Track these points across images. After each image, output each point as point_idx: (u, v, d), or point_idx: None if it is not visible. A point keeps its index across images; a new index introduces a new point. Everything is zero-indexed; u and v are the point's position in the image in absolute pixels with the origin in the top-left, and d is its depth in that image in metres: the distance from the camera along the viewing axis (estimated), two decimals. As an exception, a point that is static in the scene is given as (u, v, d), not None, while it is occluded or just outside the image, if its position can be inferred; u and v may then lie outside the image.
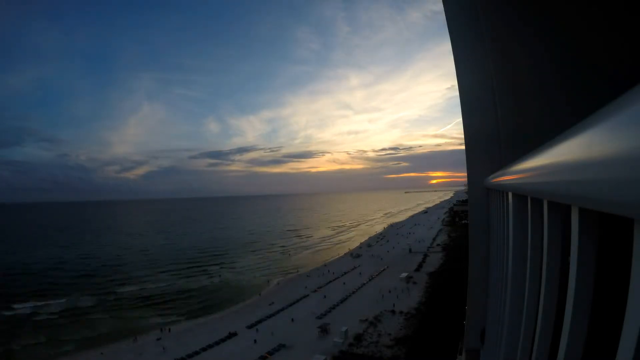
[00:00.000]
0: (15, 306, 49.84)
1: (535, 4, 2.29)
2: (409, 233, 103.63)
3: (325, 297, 49.29)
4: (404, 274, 55.47)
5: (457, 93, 2.70)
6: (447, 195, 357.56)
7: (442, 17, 2.54)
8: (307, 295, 50.78)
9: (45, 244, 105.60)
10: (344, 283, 55.72)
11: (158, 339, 38.07)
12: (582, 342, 0.71)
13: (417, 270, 59.57)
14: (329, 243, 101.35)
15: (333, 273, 62.85)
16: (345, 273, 62.42)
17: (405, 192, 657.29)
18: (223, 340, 36.84)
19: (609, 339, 0.56)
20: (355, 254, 78.37)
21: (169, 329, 41.13)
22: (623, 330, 0.46)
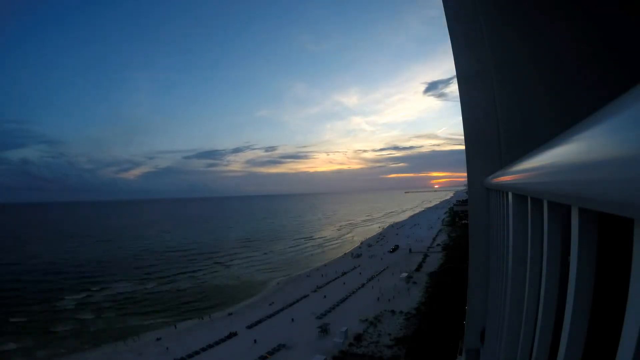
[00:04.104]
0: (16, 305, 49.81)
1: (535, 5, 2.29)
2: (409, 233, 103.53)
3: (325, 297, 49.23)
4: (404, 274, 55.40)
5: (456, 93, 2.70)
6: (447, 195, 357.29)
7: (439, 20, 2.54)
8: (307, 295, 50.73)
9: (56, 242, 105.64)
10: (344, 283, 55.68)
11: (158, 339, 38.04)
12: (582, 342, 0.71)
13: (417, 270, 59.48)
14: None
15: (333, 273, 62.80)
16: (345, 273, 62.36)
17: (406, 193, 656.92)
18: (223, 340, 36.81)
19: (609, 339, 0.56)
20: (355, 254, 78.29)
21: (175, 326, 41.18)
22: (623, 330, 0.46)
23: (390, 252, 78.05)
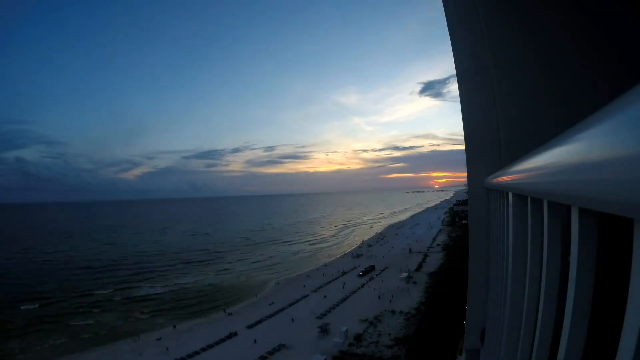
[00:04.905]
0: (19, 305, 49.83)
1: (535, 4, 2.29)
2: (409, 233, 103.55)
3: (325, 297, 49.22)
4: (404, 274, 55.41)
5: (456, 93, 2.70)
6: (447, 195, 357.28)
7: (439, 20, 2.54)
8: (307, 295, 50.72)
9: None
10: (345, 283, 55.71)
11: (158, 339, 38.05)
12: (582, 342, 0.71)
13: (417, 270, 59.50)
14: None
15: (333, 273, 62.82)
16: (345, 273, 62.36)
17: (405, 193, 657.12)
18: (223, 340, 36.81)
19: (609, 339, 0.56)
20: (355, 254, 78.29)
21: (174, 326, 41.25)
22: (623, 330, 0.46)
23: (361, 275, 59.82)
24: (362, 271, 62.14)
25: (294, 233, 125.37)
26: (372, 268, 63.88)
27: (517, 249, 1.28)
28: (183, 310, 48.49)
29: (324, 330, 36.57)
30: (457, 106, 2.69)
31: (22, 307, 49.34)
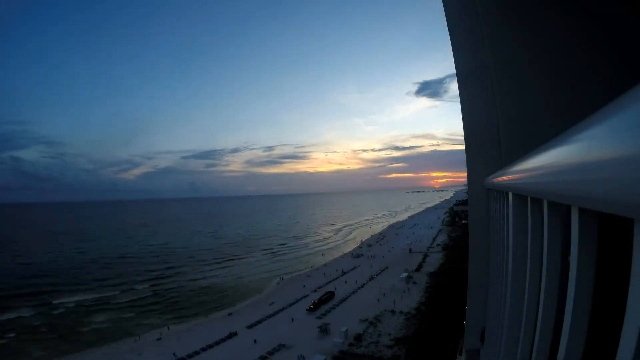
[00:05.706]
0: (19, 306, 49.83)
1: (535, 5, 2.29)
2: (409, 233, 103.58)
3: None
4: (404, 274, 55.40)
5: (456, 93, 2.70)
6: (447, 195, 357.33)
7: (440, 21, 2.54)
8: (307, 295, 50.70)
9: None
10: (346, 282, 55.74)
11: (158, 339, 38.06)
12: (582, 342, 0.72)
13: (417, 270, 59.49)
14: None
15: (333, 272, 62.84)
16: (345, 273, 62.37)
17: (406, 193, 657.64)
18: (223, 340, 36.82)
19: (609, 339, 0.56)
20: (355, 254, 78.30)
21: (169, 327, 41.28)
22: (623, 330, 0.46)
23: (311, 309, 43.29)
24: (313, 303, 44.65)
25: (293, 233, 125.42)
26: (331, 296, 47.87)
27: (517, 249, 1.28)
28: (183, 310, 48.52)
29: (324, 330, 36.56)
30: (456, 106, 2.70)
31: (22, 307, 49.42)
